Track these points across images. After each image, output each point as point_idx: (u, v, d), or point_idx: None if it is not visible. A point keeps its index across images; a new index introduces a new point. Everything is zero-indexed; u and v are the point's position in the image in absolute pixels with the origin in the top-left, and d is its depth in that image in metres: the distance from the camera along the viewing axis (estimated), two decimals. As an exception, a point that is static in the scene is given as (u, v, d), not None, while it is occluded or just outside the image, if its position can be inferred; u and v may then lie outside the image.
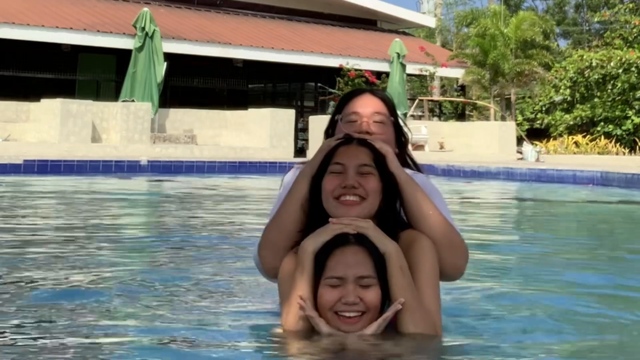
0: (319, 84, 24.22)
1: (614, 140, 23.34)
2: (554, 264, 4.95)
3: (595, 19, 34.78)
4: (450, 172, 15.99)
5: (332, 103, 21.64)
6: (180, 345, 2.71)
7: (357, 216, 2.52)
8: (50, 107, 17.20)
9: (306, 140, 20.90)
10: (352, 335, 2.45)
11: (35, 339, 2.74)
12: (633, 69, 24.97)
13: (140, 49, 18.94)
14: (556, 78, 27.49)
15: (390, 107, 2.99)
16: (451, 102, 29.59)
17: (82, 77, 21.28)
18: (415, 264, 2.54)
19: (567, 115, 26.54)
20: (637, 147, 22.73)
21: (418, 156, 3.27)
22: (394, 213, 2.65)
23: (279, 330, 2.62)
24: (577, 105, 26.54)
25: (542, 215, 9.39)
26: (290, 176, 2.95)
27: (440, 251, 2.62)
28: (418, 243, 2.58)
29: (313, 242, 2.49)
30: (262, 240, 2.76)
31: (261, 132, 19.39)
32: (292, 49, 22.82)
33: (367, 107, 2.92)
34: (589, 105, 25.99)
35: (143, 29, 18.94)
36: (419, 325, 2.49)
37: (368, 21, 28.20)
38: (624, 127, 24.68)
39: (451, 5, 51.27)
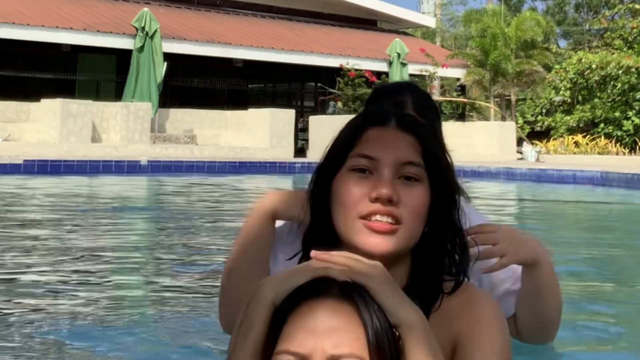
0: (319, 84, 24.19)
1: (614, 141, 23.33)
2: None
3: (594, 26, 34.77)
4: (450, 172, 15.94)
5: (332, 103, 21.63)
6: (179, 345, 2.71)
7: (385, 252, 1.49)
8: (50, 107, 17.19)
9: (306, 140, 20.88)
10: None
11: (31, 335, 2.75)
12: (633, 70, 24.96)
13: (140, 49, 18.94)
14: (556, 79, 27.48)
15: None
16: (451, 102, 29.58)
17: (82, 77, 21.27)
18: (473, 340, 1.52)
19: (567, 117, 26.52)
20: (638, 147, 22.72)
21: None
22: (449, 242, 1.61)
23: None
24: (577, 107, 26.53)
25: (542, 215, 9.39)
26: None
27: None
28: (477, 309, 1.56)
29: (275, 287, 1.35)
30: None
31: (261, 132, 19.38)
32: (292, 49, 22.81)
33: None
34: (589, 107, 25.97)
35: (143, 28, 18.94)
36: None
37: (368, 21, 28.18)
38: (624, 128, 24.67)
39: (445, 5, 51.20)
